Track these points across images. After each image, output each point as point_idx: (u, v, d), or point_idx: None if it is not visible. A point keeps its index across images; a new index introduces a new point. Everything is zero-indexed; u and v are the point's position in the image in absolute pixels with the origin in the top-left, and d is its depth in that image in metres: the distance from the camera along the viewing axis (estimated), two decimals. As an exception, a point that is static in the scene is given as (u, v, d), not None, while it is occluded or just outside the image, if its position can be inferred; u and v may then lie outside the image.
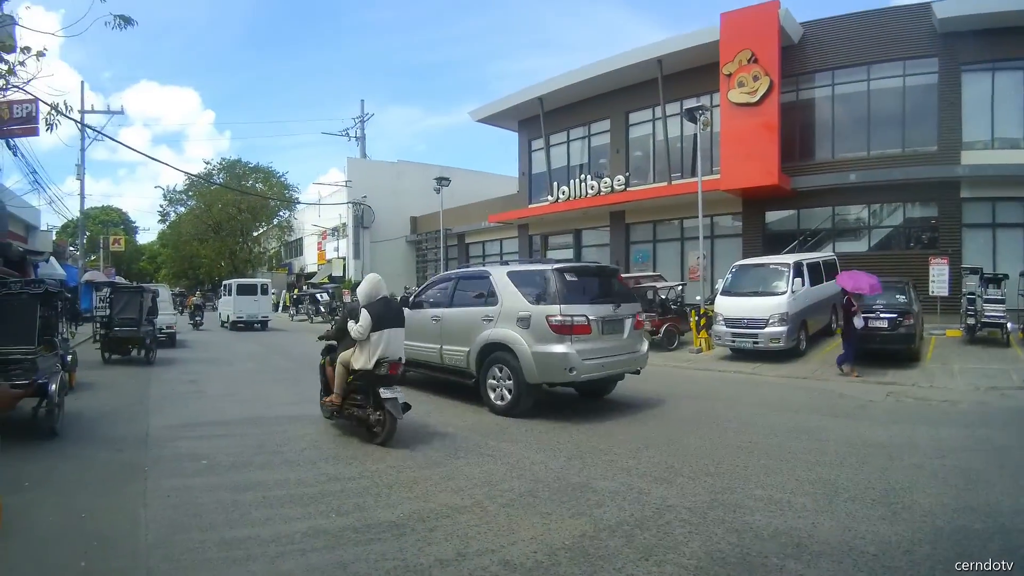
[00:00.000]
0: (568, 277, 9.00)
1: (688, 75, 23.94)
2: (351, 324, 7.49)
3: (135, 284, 20.58)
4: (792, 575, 3.99)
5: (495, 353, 9.20)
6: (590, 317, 8.81)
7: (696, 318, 17.27)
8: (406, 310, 9.02)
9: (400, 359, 7.63)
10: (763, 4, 20.62)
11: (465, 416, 9.11)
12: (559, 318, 8.60)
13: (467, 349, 9.58)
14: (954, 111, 19.60)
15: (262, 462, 6.74)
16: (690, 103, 19.03)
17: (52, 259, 29.05)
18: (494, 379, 9.25)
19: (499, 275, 9.58)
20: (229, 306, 29.83)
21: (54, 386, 7.67)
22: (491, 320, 9.29)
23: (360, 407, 7.57)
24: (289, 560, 4.27)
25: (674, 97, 24.39)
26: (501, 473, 6.26)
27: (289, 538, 4.63)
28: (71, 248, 44.72)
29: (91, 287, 26.79)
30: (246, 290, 29.80)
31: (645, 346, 10.01)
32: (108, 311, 16.11)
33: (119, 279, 35.22)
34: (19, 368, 7.56)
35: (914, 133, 20.46)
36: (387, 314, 7.50)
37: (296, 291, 43.78)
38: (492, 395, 9.25)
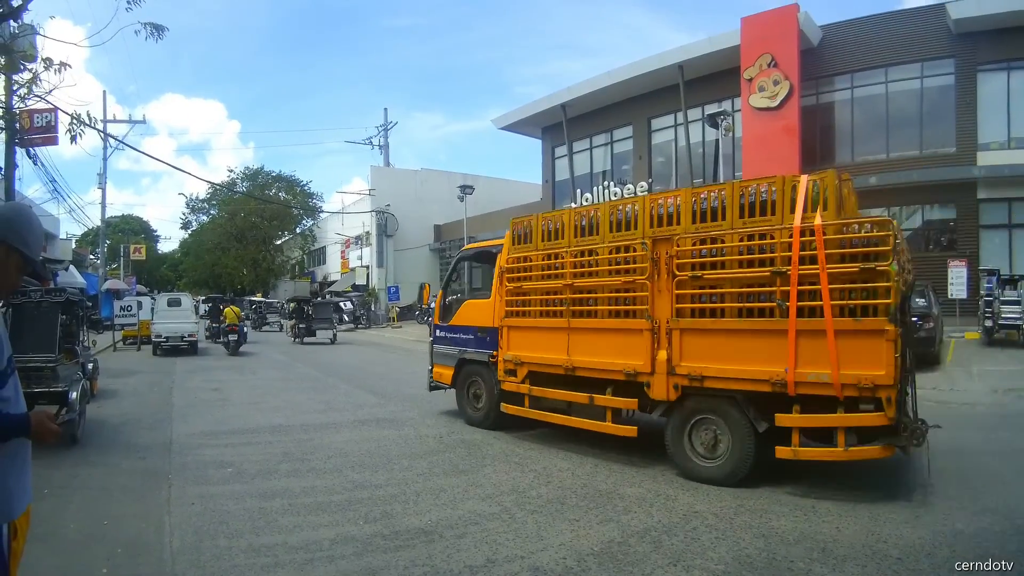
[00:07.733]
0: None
1: (709, 80, 23.91)
2: None
3: (328, 297, 33.92)
4: (820, 580, 3.97)
5: None
6: None
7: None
8: None
9: None
10: (783, 8, 20.58)
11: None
12: None
13: None
14: (970, 112, 19.44)
15: (288, 470, 6.78)
16: (711, 108, 18.92)
17: (72, 267, 29.42)
18: None
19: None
20: None
21: (75, 394, 7.72)
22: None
23: None
24: (318, 567, 4.30)
25: (696, 103, 24.35)
26: (528, 480, 6.28)
27: (318, 545, 4.65)
28: (91, 256, 45.18)
29: (111, 295, 27.12)
30: None
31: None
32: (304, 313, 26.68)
33: (139, 287, 35.75)
34: (39, 376, 7.64)
35: (932, 135, 20.32)
36: None
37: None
38: None
